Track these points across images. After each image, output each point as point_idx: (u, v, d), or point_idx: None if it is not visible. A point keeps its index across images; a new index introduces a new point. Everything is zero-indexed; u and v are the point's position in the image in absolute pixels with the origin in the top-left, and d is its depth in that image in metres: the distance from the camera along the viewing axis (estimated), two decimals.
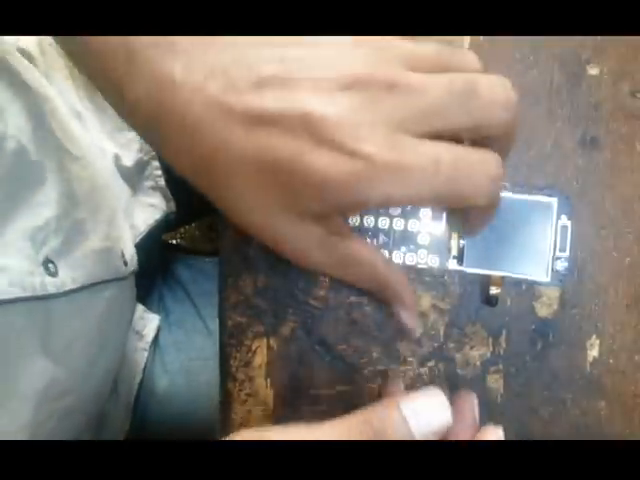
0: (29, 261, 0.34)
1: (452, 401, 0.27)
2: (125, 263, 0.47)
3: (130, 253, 0.49)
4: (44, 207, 0.37)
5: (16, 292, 0.32)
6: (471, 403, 0.29)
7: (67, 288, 0.37)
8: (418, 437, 0.25)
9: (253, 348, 0.35)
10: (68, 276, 0.37)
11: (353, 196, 0.24)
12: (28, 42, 0.50)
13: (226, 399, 0.35)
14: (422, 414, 0.25)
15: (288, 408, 0.35)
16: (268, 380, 0.35)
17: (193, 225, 1.05)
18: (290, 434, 0.26)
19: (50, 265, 0.36)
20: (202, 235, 1.06)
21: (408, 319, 0.32)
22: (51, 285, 0.36)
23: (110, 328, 0.45)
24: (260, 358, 0.35)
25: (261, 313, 0.35)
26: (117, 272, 0.45)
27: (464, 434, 0.28)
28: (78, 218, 0.40)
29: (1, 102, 0.34)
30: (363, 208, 0.27)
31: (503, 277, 0.33)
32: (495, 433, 0.28)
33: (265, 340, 0.35)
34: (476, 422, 0.29)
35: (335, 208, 0.25)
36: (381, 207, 0.28)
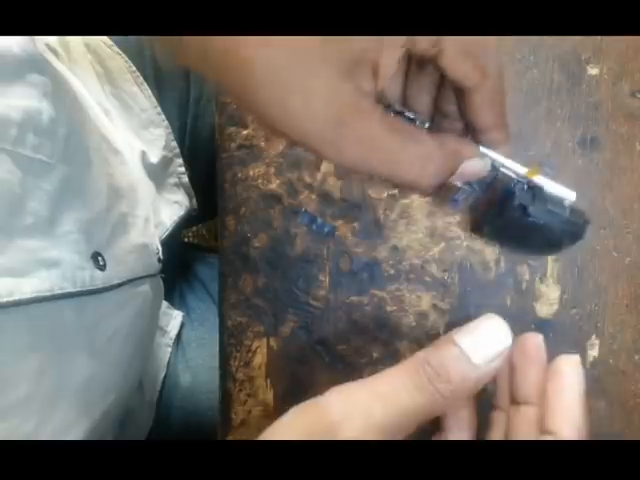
0: (80, 254, 0.34)
1: (517, 342, 0.26)
2: (159, 260, 0.47)
3: (160, 250, 0.49)
4: (96, 198, 0.37)
5: (67, 287, 0.32)
6: (536, 340, 0.27)
7: (114, 282, 0.37)
8: (480, 364, 0.23)
9: (253, 348, 0.35)
10: (114, 270, 0.37)
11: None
12: (51, 39, 0.50)
13: (226, 399, 0.35)
14: (479, 342, 0.24)
15: (288, 408, 0.35)
16: (268, 380, 0.35)
17: (200, 225, 1.05)
18: (351, 394, 0.24)
19: (99, 258, 0.36)
20: (211, 234, 1.06)
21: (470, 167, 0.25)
22: (100, 279, 0.35)
23: (144, 324, 0.45)
24: (260, 358, 0.35)
25: (261, 313, 0.35)
26: (152, 268, 0.45)
27: (531, 370, 0.26)
28: (122, 212, 0.40)
29: (48, 90, 0.34)
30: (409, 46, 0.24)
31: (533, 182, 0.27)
32: (573, 359, 0.25)
33: (265, 340, 0.35)
34: (543, 359, 0.26)
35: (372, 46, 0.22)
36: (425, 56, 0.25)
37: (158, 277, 0.48)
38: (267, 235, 0.35)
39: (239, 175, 0.35)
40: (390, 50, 0.24)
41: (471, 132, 0.27)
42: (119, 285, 0.38)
